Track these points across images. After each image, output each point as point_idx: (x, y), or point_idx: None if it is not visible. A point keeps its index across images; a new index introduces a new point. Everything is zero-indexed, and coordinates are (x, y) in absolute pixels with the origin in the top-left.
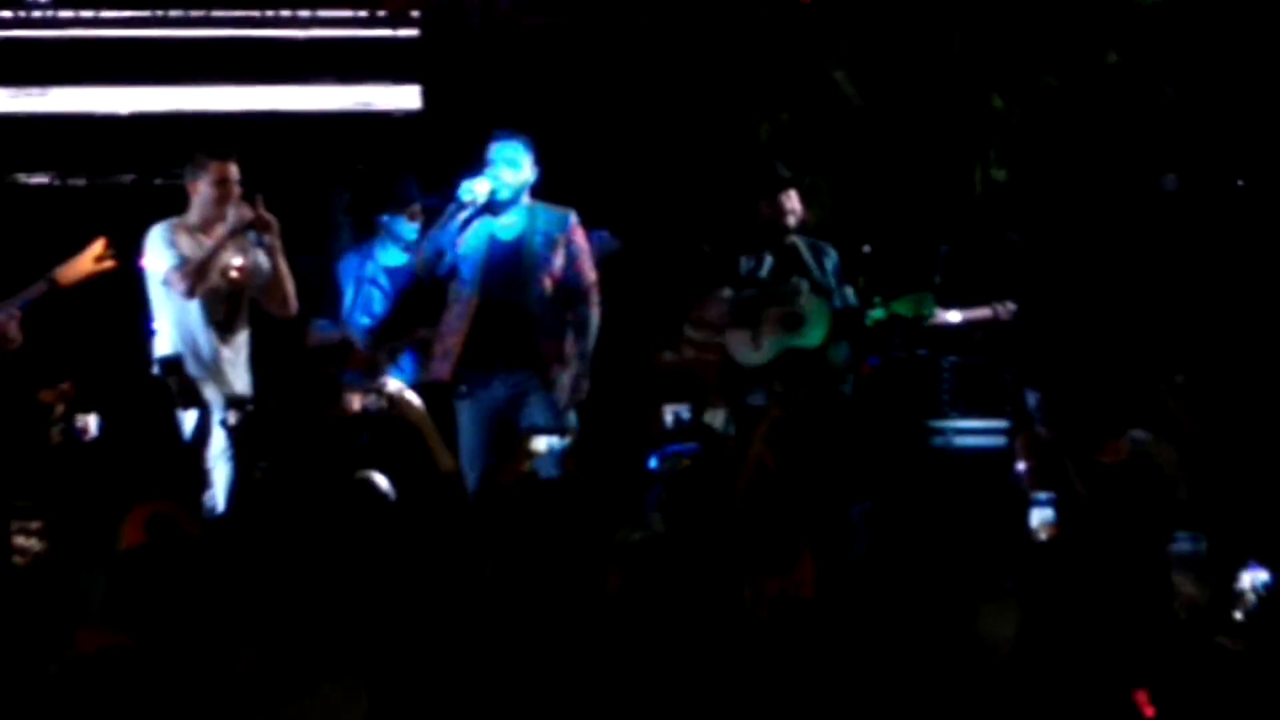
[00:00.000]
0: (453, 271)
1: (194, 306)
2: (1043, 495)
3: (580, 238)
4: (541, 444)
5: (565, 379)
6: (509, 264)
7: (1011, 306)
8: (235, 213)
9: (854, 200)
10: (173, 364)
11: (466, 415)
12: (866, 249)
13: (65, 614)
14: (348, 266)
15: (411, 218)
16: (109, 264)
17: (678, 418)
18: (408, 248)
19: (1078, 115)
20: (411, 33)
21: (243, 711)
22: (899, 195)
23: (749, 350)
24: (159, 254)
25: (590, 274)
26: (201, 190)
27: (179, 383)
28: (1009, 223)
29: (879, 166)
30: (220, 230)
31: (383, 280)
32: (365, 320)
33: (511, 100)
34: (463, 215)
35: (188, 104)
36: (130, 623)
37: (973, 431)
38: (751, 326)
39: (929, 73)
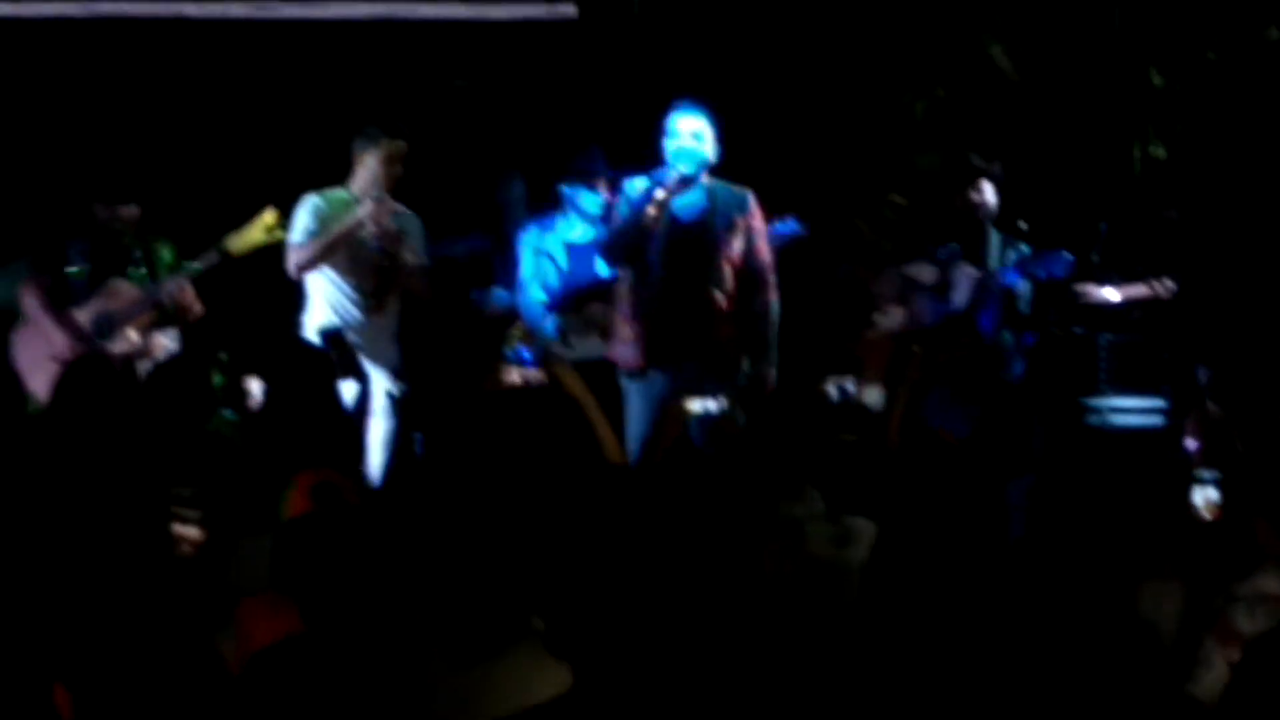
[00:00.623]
0: (636, 253)
1: (343, 276)
2: (1207, 473)
3: (759, 220)
4: (696, 405)
5: (746, 367)
6: (691, 246)
7: (1170, 284)
8: (363, 209)
9: (1011, 178)
10: (334, 335)
11: (636, 398)
12: (1023, 225)
13: (227, 582)
14: (527, 237)
15: (596, 189)
16: (280, 235)
17: (842, 391)
18: (591, 221)
19: (1237, 91)
20: None
21: (425, 679)
22: (1057, 173)
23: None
24: (297, 222)
25: (769, 258)
26: (368, 164)
27: (340, 353)
28: (1168, 200)
29: (1036, 144)
30: (343, 225)
31: (560, 254)
32: (541, 295)
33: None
34: (660, 198)
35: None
36: (298, 591)
37: (1130, 410)
38: (905, 302)
39: (1087, 48)
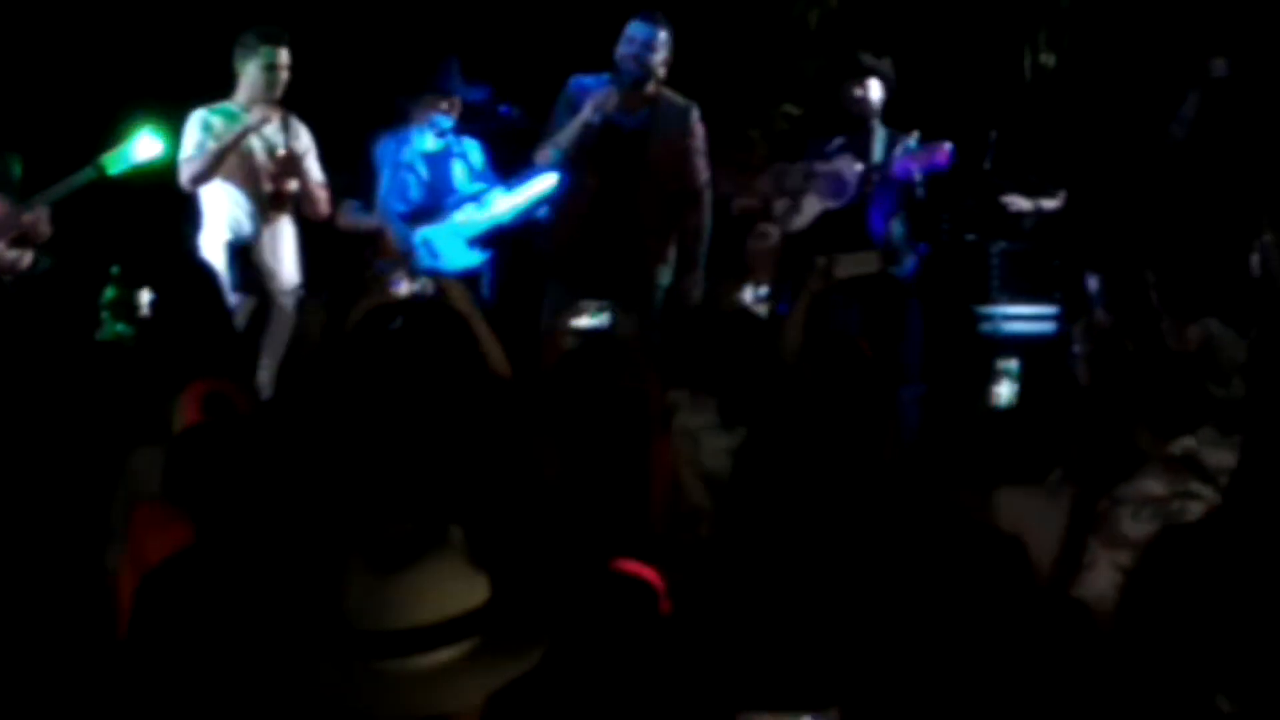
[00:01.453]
0: (572, 158)
1: (237, 188)
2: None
3: (700, 136)
4: (583, 320)
5: (667, 280)
6: (623, 157)
7: (1062, 193)
8: (258, 112)
9: (904, 85)
10: (237, 247)
11: (555, 292)
12: (916, 134)
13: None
14: (384, 150)
15: (449, 109)
16: (157, 150)
17: (756, 299)
18: (441, 133)
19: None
20: None
21: (337, 587)
22: (949, 80)
23: (792, 216)
24: (187, 137)
25: (704, 175)
26: (249, 73)
27: (239, 265)
28: (1058, 108)
29: (928, 50)
30: (231, 133)
31: (420, 167)
32: (400, 206)
33: None
34: (590, 115)
35: None
36: (191, 502)
37: (1022, 318)
38: (793, 196)
39: None
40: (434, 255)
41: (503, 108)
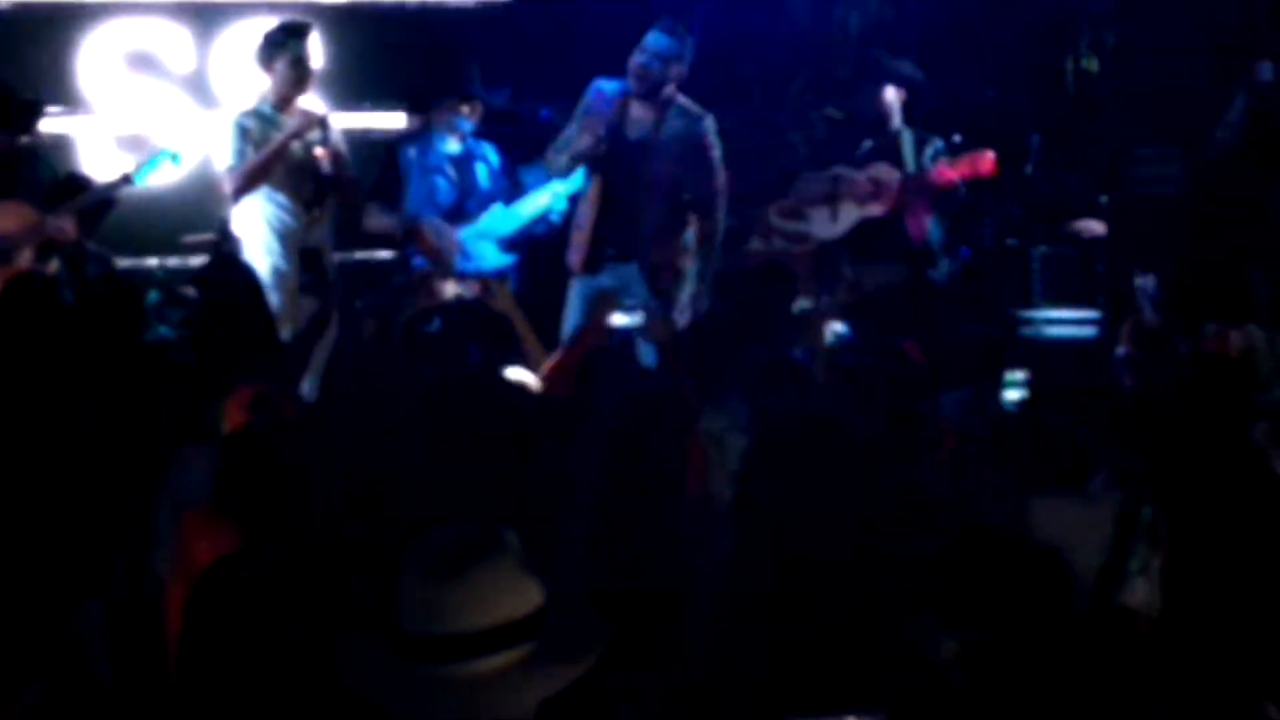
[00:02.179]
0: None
1: (278, 189)
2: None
3: (715, 146)
4: (618, 316)
5: (682, 294)
6: (629, 168)
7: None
8: (302, 114)
9: (945, 90)
10: (312, 254)
11: (575, 295)
12: (957, 138)
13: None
14: (406, 156)
15: (470, 113)
16: (175, 177)
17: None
18: (461, 136)
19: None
20: None
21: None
22: (991, 85)
23: (828, 224)
24: (226, 145)
25: (718, 183)
26: (279, 70)
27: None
28: (1103, 114)
29: (971, 55)
30: (281, 135)
31: (449, 169)
32: (431, 210)
33: None
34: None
35: None
36: (239, 504)
37: (1064, 322)
38: (830, 203)
39: None
40: (466, 257)
41: (543, 111)
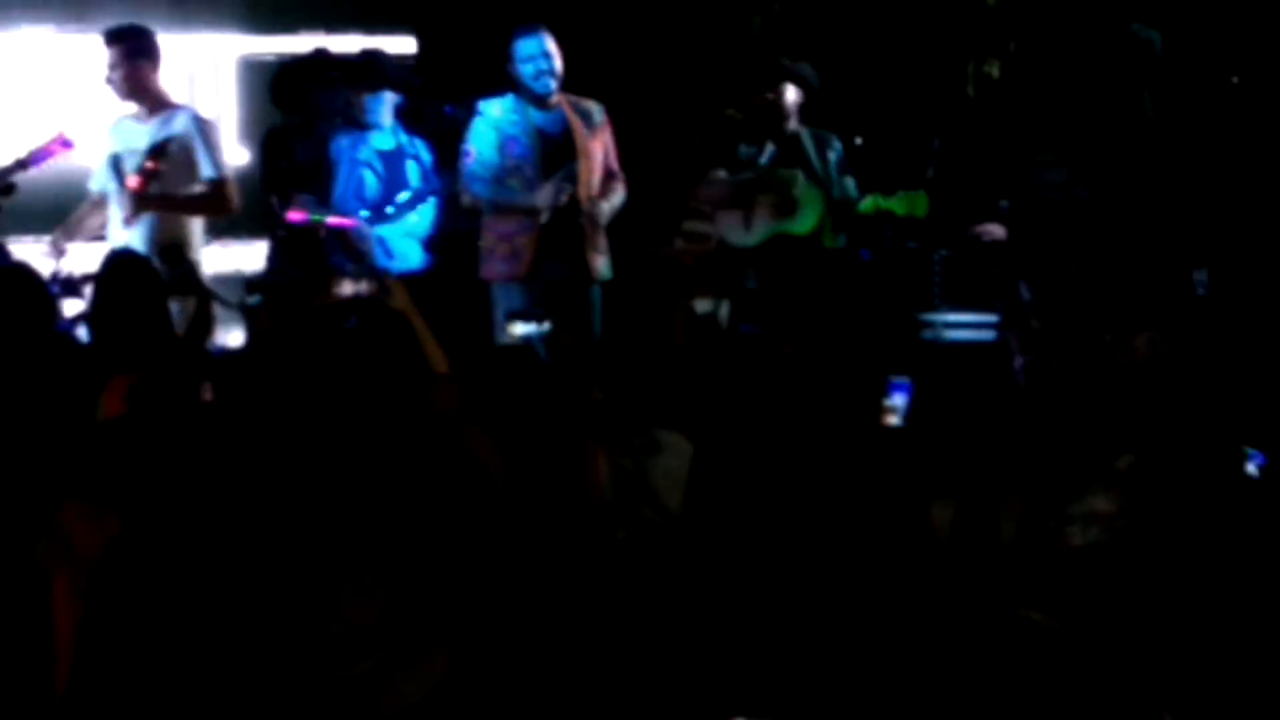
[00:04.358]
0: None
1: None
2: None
3: (609, 131)
4: (519, 329)
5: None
6: (562, 158)
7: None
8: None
9: (847, 92)
10: (172, 250)
11: (502, 306)
12: (859, 141)
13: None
14: (339, 148)
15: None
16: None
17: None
18: (390, 130)
19: (1070, 9)
20: None
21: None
22: (893, 88)
23: (740, 231)
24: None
25: (616, 164)
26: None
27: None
28: (1002, 118)
29: (873, 58)
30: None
31: (378, 165)
32: (357, 204)
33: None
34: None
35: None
36: (114, 494)
37: (963, 325)
38: (744, 209)
39: None
40: (389, 255)
41: (447, 108)
